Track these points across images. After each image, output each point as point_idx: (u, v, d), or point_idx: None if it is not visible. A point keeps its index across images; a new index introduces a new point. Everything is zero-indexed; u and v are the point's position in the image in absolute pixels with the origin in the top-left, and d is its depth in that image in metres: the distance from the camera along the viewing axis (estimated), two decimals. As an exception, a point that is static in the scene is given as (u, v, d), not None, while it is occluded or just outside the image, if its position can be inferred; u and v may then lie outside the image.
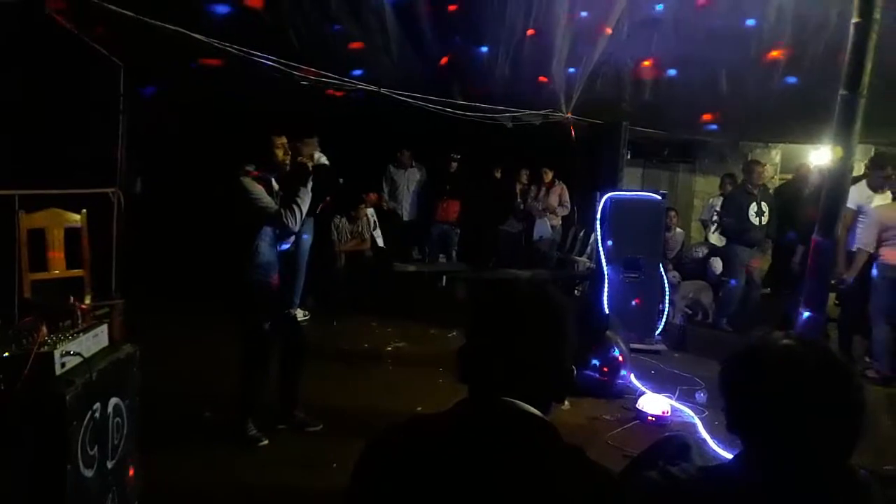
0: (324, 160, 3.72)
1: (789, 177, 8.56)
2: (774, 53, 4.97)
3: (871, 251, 5.47)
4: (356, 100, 5.60)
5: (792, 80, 5.12)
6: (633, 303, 5.97)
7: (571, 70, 5.28)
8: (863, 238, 5.53)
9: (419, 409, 4.12)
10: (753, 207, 6.71)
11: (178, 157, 7.01)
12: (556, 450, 1.18)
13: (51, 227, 4.35)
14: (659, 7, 4.80)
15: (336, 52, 4.91)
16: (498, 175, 9.34)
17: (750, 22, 4.76)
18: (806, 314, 3.01)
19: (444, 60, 5.19)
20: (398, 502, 1.17)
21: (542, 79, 5.38)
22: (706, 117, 6.40)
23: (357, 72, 5.15)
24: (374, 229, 8.14)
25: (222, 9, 4.30)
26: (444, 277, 8.65)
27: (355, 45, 4.87)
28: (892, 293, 5.37)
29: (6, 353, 2.04)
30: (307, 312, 6.63)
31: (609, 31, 4.84)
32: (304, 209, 3.68)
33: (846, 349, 5.55)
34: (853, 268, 5.52)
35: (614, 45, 5.07)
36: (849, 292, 5.69)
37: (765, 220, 6.74)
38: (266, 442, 3.72)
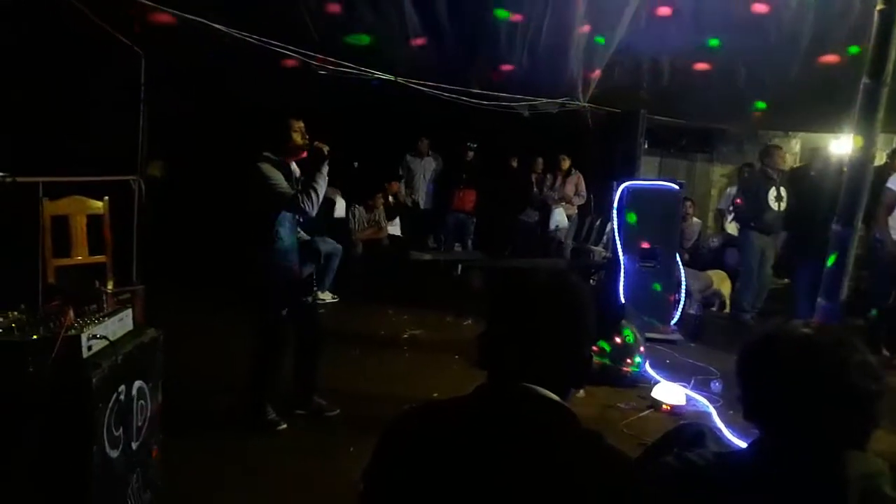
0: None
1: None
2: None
3: None
4: (372, 87, 5.61)
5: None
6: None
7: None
8: None
9: (435, 395, 4.15)
10: (773, 192, 6.56)
11: (197, 144, 7.07)
12: (576, 435, 1.19)
13: (74, 214, 4.42)
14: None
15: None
16: (514, 164, 9.33)
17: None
18: (823, 303, 3.00)
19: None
20: (417, 487, 1.18)
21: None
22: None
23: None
24: (394, 219, 8.22)
25: None
26: (460, 266, 8.67)
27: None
28: None
29: (35, 336, 2.08)
30: (336, 296, 6.77)
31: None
32: (321, 193, 3.68)
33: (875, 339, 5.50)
34: None
35: (633, 33, 5.04)
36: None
37: (783, 205, 6.62)
38: (284, 426, 3.77)
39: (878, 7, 2.89)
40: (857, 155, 3.06)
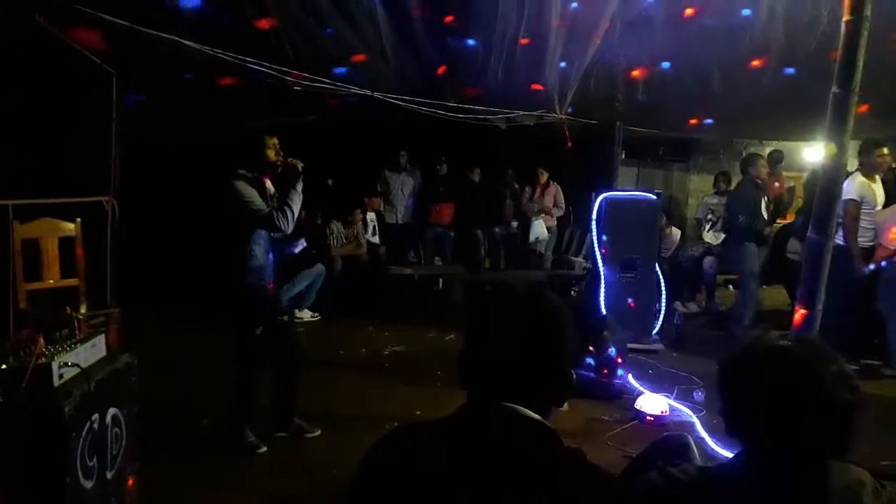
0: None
1: (785, 175, 8.52)
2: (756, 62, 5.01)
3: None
4: (349, 104, 5.61)
5: (789, 70, 5.11)
6: (629, 303, 5.96)
7: (563, 65, 5.28)
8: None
9: (418, 412, 4.11)
10: (764, 202, 6.35)
11: (170, 162, 6.99)
12: (558, 454, 1.18)
13: (45, 237, 4.33)
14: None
15: (330, 56, 4.92)
16: (492, 177, 9.33)
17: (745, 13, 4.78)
18: (801, 312, 3.02)
19: (441, 70, 5.19)
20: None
21: (535, 86, 5.38)
22: (693, 121, 6.30)
23: (340, 70, 5.09)
24: (374, 235, 8.18)
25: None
26: (440, 280, 8.64)
27: (358, 57, 4.89)
28: None
29: (3, 366, 2.03)
30: (316, 314, 6.74)
31: (597, 39, 4.86)
32: (296, 210, 3.66)
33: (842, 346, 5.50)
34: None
35: (607, 45, 5.09)
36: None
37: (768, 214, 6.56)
38: (264, 449, 3.70)
39: (845, 18, 2.94)
40: (830, 162, 3.09)
